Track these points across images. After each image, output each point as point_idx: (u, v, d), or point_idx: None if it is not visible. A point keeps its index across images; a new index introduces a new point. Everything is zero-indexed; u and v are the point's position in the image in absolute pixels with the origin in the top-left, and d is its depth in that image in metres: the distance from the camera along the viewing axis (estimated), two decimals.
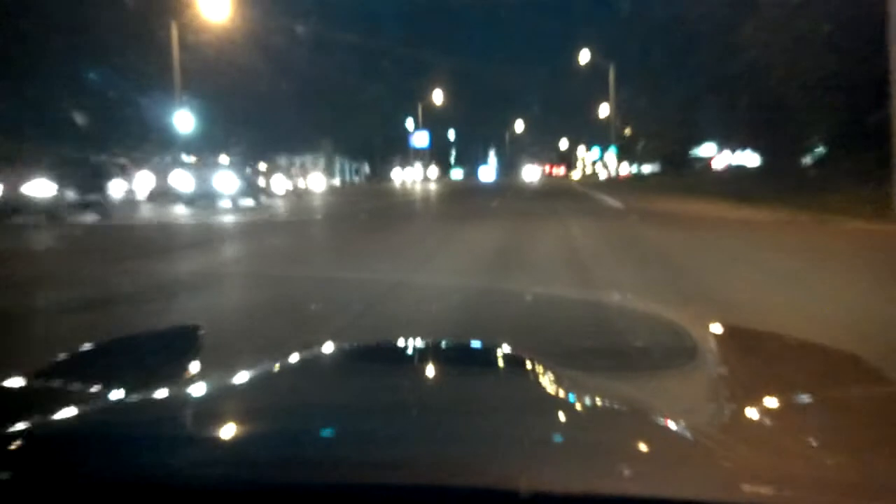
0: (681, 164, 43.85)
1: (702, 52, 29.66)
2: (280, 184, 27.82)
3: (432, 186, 44.87)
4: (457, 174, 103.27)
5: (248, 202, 22.03)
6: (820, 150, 26.28)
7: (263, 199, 24.67)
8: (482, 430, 0.92)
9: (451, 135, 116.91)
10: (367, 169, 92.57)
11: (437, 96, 72.55)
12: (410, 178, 54.17)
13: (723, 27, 26.59)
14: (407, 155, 79.95)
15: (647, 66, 39.25)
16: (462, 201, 26.04)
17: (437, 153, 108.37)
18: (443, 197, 30.68)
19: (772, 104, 24.31)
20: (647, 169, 66.81)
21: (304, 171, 34.66)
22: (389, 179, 51.89)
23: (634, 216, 15.03)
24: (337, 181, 38.52)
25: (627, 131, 51.73)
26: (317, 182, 32.57)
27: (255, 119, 45.14)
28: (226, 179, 21.55)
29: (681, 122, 37.93)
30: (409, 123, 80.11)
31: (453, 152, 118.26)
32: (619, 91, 46.52)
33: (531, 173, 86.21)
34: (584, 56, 46.91)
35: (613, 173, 53.39)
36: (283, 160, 31.02)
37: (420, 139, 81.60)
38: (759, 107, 25.82)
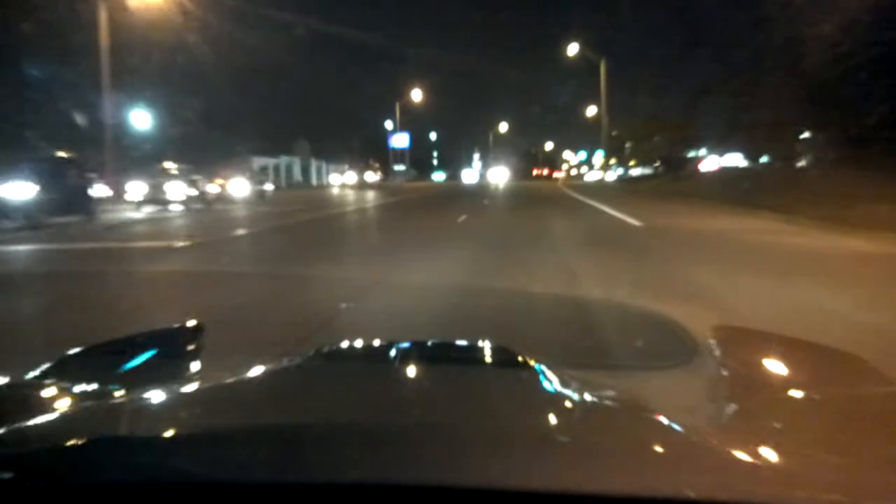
0: (678, 167, 39.87)
1: (711, 42, 25.88)
2: (177, 190, 21.87)
3: (371, 195, 33.40)
4: (439, 177, 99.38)
5: (73, 216, 15.29)
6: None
7: (123, 211, 19.38)
8: (482, 430, 0.88)
9: (437, 138, 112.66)
10: (345, 170, 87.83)
11: (418, 96, 67.69)
12: (354, 180, 44.64)
13: (741, 7, 22.98)
14: (386, 157, 75.62)
15: (646, 61, 35.90)
16: (421, 213, 18.71)
17: (418, 156, 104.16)
18: (394, 207, 22.59)
19: (801, 93, 20.45)
20: (635, 172, 63.02)
21: (225, 175, 27.27)
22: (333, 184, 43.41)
23: (671, 247, 9.32)
24: (270, 186, 31.09)
25: (614, 133, 47.81)
26: (238, 187, 26.79)
27: (208, 116, 40.81)
28: (15, 186, 13.92)
29: (681, 121, 34.37)
30: (391, 126, 75.62)
31: (435, 154, 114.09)
32: (611, 88, 42.79)
33: (497, 175, 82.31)
34: (574, 50, 42.91)
35: (600, 175, 49.33)
36: (182, 164, 24.20)
37: (399, 140, 77.06)
38: (782, 98, 21.87)
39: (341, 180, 43.86)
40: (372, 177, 44.62)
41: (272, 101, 66.05)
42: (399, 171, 78.29)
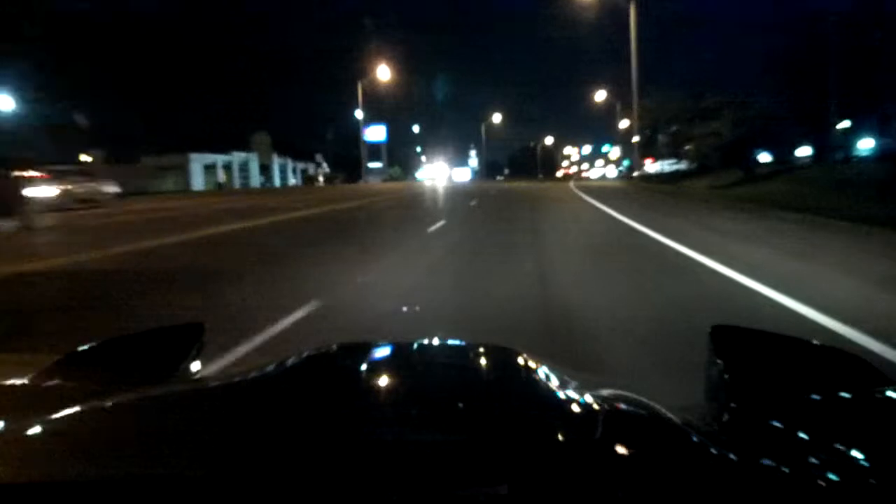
0: (742, 161, 26.88)
1: None
2: None
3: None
4: (424, 174, 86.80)
5: None
6: None
7: None
8: (482, 430, 0.87)
9: (422, 132, 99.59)
10: (322, 169, 74.94)
11: (386, 74, 54.61)
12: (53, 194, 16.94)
13: None
14: (360, 152, 62.74)
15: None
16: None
17: (401, 152, 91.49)
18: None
19: None
20: (652, 168, 50.26)
21: None
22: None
23: None
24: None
25: (626, 121, 35.20)
26: None
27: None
28: None
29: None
30: (361, 116, 62.48)
31: (419, 149, 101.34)
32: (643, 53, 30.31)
33: (435, 172, 69.00)
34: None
35: (602, 173, 36.60)
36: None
37: (375, 133, 64.14)
38: None
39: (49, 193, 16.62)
40: (49, 191, 15.52)
41: (222, 85, 53.53)
42: (374, 170, 65.13)
